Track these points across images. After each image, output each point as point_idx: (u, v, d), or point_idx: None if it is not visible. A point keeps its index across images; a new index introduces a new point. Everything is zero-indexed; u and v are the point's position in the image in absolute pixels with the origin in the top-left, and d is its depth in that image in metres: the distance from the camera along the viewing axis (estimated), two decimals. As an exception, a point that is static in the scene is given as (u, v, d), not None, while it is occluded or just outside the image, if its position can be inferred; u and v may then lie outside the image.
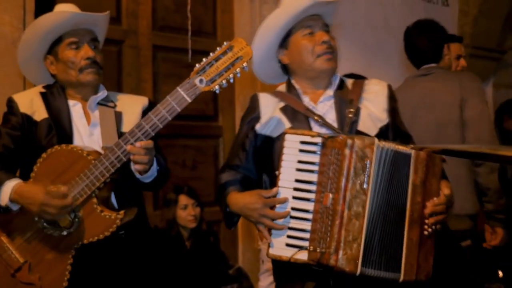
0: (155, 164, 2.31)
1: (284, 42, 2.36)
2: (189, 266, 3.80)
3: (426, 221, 2.10)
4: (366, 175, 2.04)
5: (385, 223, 2.07)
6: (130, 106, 2.48)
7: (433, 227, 2.11)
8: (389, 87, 2.40)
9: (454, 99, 3.32)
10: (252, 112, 2.38)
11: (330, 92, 2.34)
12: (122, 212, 2.21)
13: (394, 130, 2.33)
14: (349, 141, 2.04)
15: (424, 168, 2.10)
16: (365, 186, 2.04)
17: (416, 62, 3.59)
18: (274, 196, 2.12)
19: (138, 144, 2.13)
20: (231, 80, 2.11)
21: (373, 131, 2.26)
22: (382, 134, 2.27)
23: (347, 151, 2.04)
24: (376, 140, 2.06)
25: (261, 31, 2.36)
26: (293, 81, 2.39)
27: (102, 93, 2.46)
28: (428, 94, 3.40)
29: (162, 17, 4.16)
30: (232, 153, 2.43)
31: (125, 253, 2.35)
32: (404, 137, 2.35)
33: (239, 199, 2.23)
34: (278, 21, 2.33)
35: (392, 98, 2.38)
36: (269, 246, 2.12)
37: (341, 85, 2.38)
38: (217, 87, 2.10)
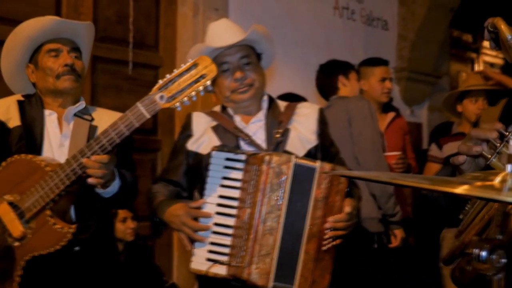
0: (117, 179, 2.28)
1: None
2: (123, 281, 3.72)
3: (325, 236, 2.14)
4: (281, 191, 2.10)
5: (299, 238, 2.11)
6: (108, 121, 2.43)
7: (332, 242, 2.15)
8: (320, 111, 2.48)
9: (343, 122, 3.59)
10: (185, 130, 2.43)
11: (261, 114, 2.41)
12: (73, 226, 2.16)
13: (323, 151, 2.39)
14: (267, 158, 2.10)
15: (327, 183, 2.14)
16: (280, 201, 2.09)
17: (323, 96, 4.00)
18: (199, 208, 2.16)
19: (93, 158, 2.10)
20: (194, 98, 2.10)
21: (301, 152, 2.31)
22: (311, 155, 2.33)
23: (264, 167, 2.10)
24: (293, 157, 2.12)
25: None
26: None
27: (80, 105, 2.43)
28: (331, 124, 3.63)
29: (103, 28, 4.07)
30: (165, 168, 2.48)
31: (80, 269, 2.30)
32: (332, 159, 2.40)
33: (165, 205, 2.26)
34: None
35: (322, 121, 2.45)
36: (191, 261, 2.15)
37: (272, 105, 2.45)
38: (177, 104, 2.09)
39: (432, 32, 5.83)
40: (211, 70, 2.07)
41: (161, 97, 2.08)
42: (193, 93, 2.07)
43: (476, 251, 0.97)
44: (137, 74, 4.11)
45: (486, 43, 7.13)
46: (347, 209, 2.18)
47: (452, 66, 6.75)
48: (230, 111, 2.42)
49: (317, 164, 2.14)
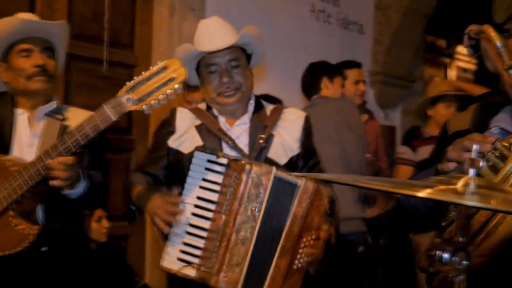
0: (84, 180, 2.26)
1: None
2: (94, 281, 3.69)
3: (298, 255, 2.13)
4: (258, 202, 2.08)
5: (272, 251, 2.11)
6: (80, 120, 2.42)
7: (304, 260, 2.14)
8: (306, 119, 2.45)
9: (331, 123, 3.67)
10: (168, 125, 2.40)
11: (246, 117, 2.38)
12: (36, 227, 2.14)
13: (304, 160, 2.38)
14: (247, 167, 2.09)
15: (309, 203, 2.13)
16: (256, 213, 2.08)
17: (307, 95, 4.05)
18: (177, 204, 2.13)
19: (57, 159, 2.08)
20: (163, 101, 2.08)
21: (283, 160, 2.31)
22: (292, 163, 2.33)
23: (244, 176, 2.08)
24: (274, 169, 2.11)
25: None
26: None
27: (51, 105, 2.41)
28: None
29: (78, 26, 4.03)
30: (145, 161, 2.45)
31: (49, 269, 2.27)
32: (313, 168, 2.40)
33: (146, 196, 2.23)
34: None
35: (307, 129, 2.43)
36: (162, 258, 2.13)
37: (258, 108, 2.42)
38: (145, 107, 2.07)
39: (407, 37, 5.89)
40: (180, 73, 2.05)
41: (128, 100, 2.06)
42: (162, 96, 2.05)
43: (439, 253, 1.00)
44: (112, 73, 4.08)
45: (459, 49, 7.24)
46: (322, 234, 2.18)
47: (426, 70, 6.84)
48: (215, 111, 2.39)
49: (301, 182, 2.12)
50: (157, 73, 2.06)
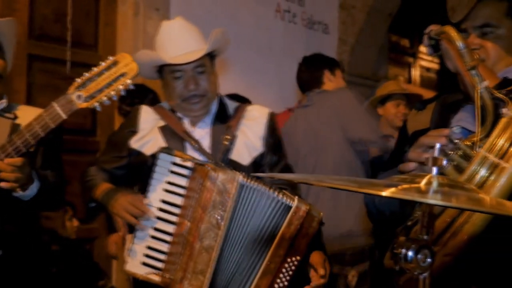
0: (35, 182, 2.20)
1: None
2: (56, 284, 3.64)
3: (281, 274, 2.12)
4: (223, 210, 2.05)
5: (242, 263, 2.09)
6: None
7: (285, 283, 2.12)
8: (270, 116, 2.44)
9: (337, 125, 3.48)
10: (131, 125, 2.36)
11: (208, 119, 2.36)
12: None
13: (268, 159, 2.37)
14: (213, 174, 2.06)
15: (298, 225, 2.10)
16: (220, 221, 2.05)
17: (304, 90, 3.79)
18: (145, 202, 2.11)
19: (6, 161, 2.01)
20: (114, 98, 2.03)
21: (246, 160, 2.30)
22: (256, 163, 2.32)
23: (208, 183, 2.06)
24: (240, 177, 2.08)
25: None
26: None
27: (0, 104, 2.33)
28: (314, 124, 3.54)
29: (39, 26, 3.96)
30: (104, 157, 2.41)
31: (5, 273, 2.21)
32: (275, 166, 2.39)
33: (111, 193, 2.20)
34: None
35: (271, 126, 2.40)
36: (126, 262, 2.11)
37: (221, 108, 2.40)
38: (96, 104, 2.02)
39: (372, 37, 5.95)
40: (132, 68, 2.01)
41: (79, 97, 2.01)
42: (113, 92, 2.00)
43: (403, 251, 1.01)
44: (76, 73, 3.94)
45: (422, 48, 7.34)
46: (321, 272, 2.18)
47: (390, 70, 6.92)
48: (178, 113, 2.37)
49: (294, 203, 2.09)
50: (108, 68, 2.01)
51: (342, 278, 3.40)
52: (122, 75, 2.01)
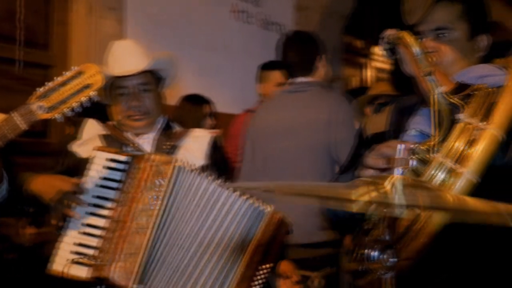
0: (5, 183, 2.14)
1: None
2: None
3: (256, 282, 2.14)
4: (157, 191, 2.04)
5: (181, 248, 2.07)
6: None
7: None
8: (215, 137, 2.49)
9: (322, 123, 3.18)
10: (74, 133, 2.37)
11: (152, 133, 2.39)
12: None
13: (215, 172, 2.34)
14: (147, 156, 2.08)
15: (272, 232, 2.13)
16: (154, 201, 2.03)
17: (289, 73, 3.38)
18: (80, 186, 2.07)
19: None
20: (77, 109, 1.97)
21: None
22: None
23: (143, 164, 2.06)
24: (175, 158, 2.10)
25: None
26: None
27: None
28: (296, 117, 3.22)
29: (-12, 25, 3.85)
30: (42, 164, 2.39)
31: None
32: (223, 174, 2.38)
33: (32, 177, 2.15)
34: None
35: (215, 145, 2.45)
36: (51, 261, 2.04)
37: (167, 127, 2.44)
38: (58, 115, 1.95)
39: (326, 38, 5.99)
40: (97, 80, 1.97)
41: (40, 107, 1.94)
42: (76, 104, 1.95)
43: (368, 251, 1.02)
44: (27, 73, 3.92)
45: (376, 49, 7.46)
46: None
47: (345, 70, 7.00)
48: (120, 128, 2.40)
49: (269, 209, 2.13)
50: (72, 78, 1.96)
51: (307, 283, 3.39)
52: (87, 86, 1.96)
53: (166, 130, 2.42)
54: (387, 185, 0.92)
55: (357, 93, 4.33)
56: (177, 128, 2.49)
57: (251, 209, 2.12)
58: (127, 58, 2.34)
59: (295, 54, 3.31)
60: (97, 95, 2.02)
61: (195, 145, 2.39)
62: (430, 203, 0.85)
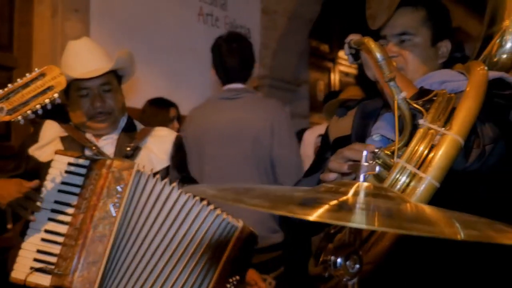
0: None
1: None
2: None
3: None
4: (118, 197, 2.02)
5: (143, 256, 2.06)
6: None
7: None
8: (178, 138, 2.47)
9: (263, 130, 3.17)
10: (32, 136, 2.34)
11: (114, 133, 2.36)
12: None
13: (173, 176, 2.36)
14: (108, 161, 2.05)
15: (242, 245, 2.15)
16: (115, 208, 2.02)
17: (224, 79, 3.31)
18: (36, 189, 2.02)
19: None
20: (39, 112, 1.92)
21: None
22: (161, 178, 2.29)
23: (104, 171, 2.03)
24: (136, 164, 2.08)
25: None
26: None
27: None
28: (236, 122, 3.20)
29: None
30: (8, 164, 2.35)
31: None
32: (185, 182, 2.39)
33: None
34: None
35: (178, 146, 2.43)
36: (13, 269, 2.00)
37: (129, 126, 2.41)
38: (20, 117, 1.90)
39: (293, 42, 6.04)
40: (60, 82, 1.93)
41: (1, 109, 1.88)
42: (38, 106, 1.90)
43: (332, 258, 1.02)
44: (-11, 75, 3.85)
45: (341, 53, 7.53)
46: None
47: (311, 74, 7.05)
48: (82, 130, 2.36)
49: (240, 224, 2.15)
50: (34, 80, 1.91)
51: None
52: (49, 88, 1.91)
53: (129, 130, 2.39)
54: (350, 194, 0.92)
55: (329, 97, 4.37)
56: (140, 127, 2.46)
57: (219, 220, 2.13)
58: (88, 58, 2.30)
59: (235, 60, 3.24)
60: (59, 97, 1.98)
61: (159, 146, 2.37)
62: (388, 219, 0.85)
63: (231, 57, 3.24)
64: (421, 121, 1.48)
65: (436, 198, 1.41)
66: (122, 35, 4.24)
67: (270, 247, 3.27)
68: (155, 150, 2.34)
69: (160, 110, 4.00)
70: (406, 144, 1.48)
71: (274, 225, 3.22)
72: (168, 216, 2.10)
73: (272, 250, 3.29)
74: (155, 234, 2.09)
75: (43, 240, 2.01)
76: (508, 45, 1.88)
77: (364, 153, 1.02)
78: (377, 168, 1.37)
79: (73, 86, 2.30)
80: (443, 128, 1.46)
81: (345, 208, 0.88)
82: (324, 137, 2.07)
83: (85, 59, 2.29)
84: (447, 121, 1.49)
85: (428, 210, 0.97)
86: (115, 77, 2.37)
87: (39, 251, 1.99)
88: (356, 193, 0.91)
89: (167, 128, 2.54)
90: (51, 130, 2.32)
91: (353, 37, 1.72)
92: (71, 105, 2.34)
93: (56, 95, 1.93)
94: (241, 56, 3.25)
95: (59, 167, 2.07)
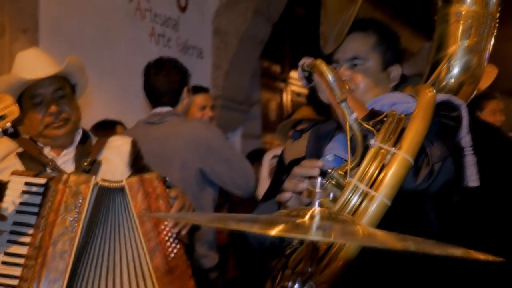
0: None
1: None
2: None
3: (168, 243, 2.09)
4: (77, 212, 2.00)
5: (103, 264, 2.03)
6: None
7: (176, 245, 2.10)
8: (133, 143, 2.44)
9: (191, 155, 3.19)
10: None
11: (72, 147, 2.32)
12: None
13: None
14: (64, 176, 2.03)
15: (143, 194, 2.09)
16: (74, 223, 1.99)
17: (152, 103, 3.39)
18: None
19: None
20: None
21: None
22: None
23: (60, 186, 2.01)
24: (93, 177, 2.06)
25: None
26: None
27: None
28: (162, 148, 3.20)
29: None
30: None
31: None
32: None
33: None
34: None
35: (135, 152, 2.41)
36: None
37: (85, 139, 2.38)
38: None
39: (244, 62, 6.08)
40: (13, 111, 1.91)
41: None
42: None
43: (289, 284, 1.03)
44: None
45: (293, 74, 7.63)
46: (173, 193, 2.14)
47: (263, 95, 7.10)
48: (39, 143, 2.30)
49: (124, 182, 2.09)
50: None
51: None
52: (2, 117, 1.89)
53: (84, 143, 2.35)
54: (307, 217, 0.93)
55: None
56: (93, 139, 2.42)
57: (106, 191, 2.09)
58: (39, 64, 2.27)
59: (164, 84, 3.30)
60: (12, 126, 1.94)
61: (116, 157, 2.34)
62: (342, 239, 0.87)
63: (159, 82, 3.31)
64: (372, 141, 1.52)
65: (386, 217, 1.45)
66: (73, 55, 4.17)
67: (208, 270, 3.30)
68: (115, 162, 2.32)
69: (106, 132, 3.93)
70: (359, 164, 1.52)
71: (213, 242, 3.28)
72: (130, 228, 2.06)
73: (209, 272, 3.31)
74: (119, 246, 2.05)
75: (4, 263, 1.97)
76: (455, 71, 1.96)
77: (318, 179, 1.04)
78: (331, 195, 1.40)
79: (26, 95, 2.25)
80: (393, 148, 1.50)
81: (302, 227, 0.90)
82: (280, 160, 2.10)
83: (35, 65, 2.25)
84: (397, 141, 1.54)
85: (379, 232, 1.00)
86: (68, 85, 2.34)
87: (0, 275, 1.95)
88: (312, 217, 0.92)
89: (120, 136, 2.52)
90: (4, 147, 2.25)
91: (306, 60, 1.76)
92: (26, 116, 2.27)
93: (9, 124, 1.91)
94: (169, 81, 3.30)
95: (17, 188, 2.03)
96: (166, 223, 2.09)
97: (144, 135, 3.17)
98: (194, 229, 2.25)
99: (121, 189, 2.09)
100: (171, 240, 2.10)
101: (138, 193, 2.08)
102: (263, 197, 2.04)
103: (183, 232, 2.11)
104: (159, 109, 3.33)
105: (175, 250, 2.10)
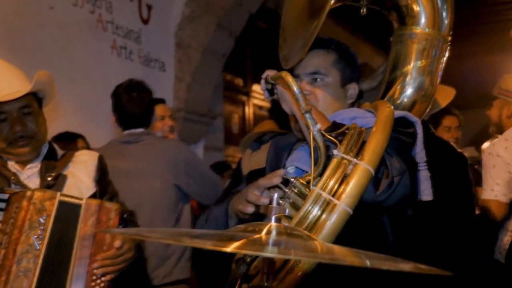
0: None
1: None
2: None
3: (94, 276, 2.04)
4: (42, 229, 1.96)
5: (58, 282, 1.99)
6: None
7: (103, 280, 2.05)
8: (100, 158, 2.42)
9: (170, 170, 3.29)
10: None
11: (37, 161, 2.27)
12: None
13: (102, 197, 2.31)
14: (29, 193, 1.98)
15: (95, 220, 2.06)
16: (39, 241, 1.95)
17: (124, 125, 3.45)
18: None
19: None
20: None
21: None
22: None
23: (25, 203, 1.96)
24: (58, 194, 2.03)
25: None
26: None
27: None
28: (141, 161, 3.30)
29: None
30: None
31: None
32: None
33: None
34: None
35: (101, 168, 2.38)
36: None
37: (51, 152, 2.33)
38: None
39: (207, 75, 6.10)
40: None
41: None
42: None
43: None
44: None
45: (255, 87, 7.67)
46: (117, 243, 2.09)
47: (226, 107, 7.12)
48: (3, 157, 2.26)
49: (83, 201, 2.06)
50: None
51: None
52: None
53: (50, 158, 2.30)
54: (263, 233, 0.95)
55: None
56: (60, 153, 2.37)
57: (68, 207, 2.05)
58: (5, 80, 2.19)
59: (136, 108, 3.36)
60: None
61: (83, 171, 2.30)
62: (300, 254, 0.89)
63: (132, 106, 3.36)
64: (335, 152, 1.55)
65: (345, 228, 1.47)
66: (32, 67, 4.08)
67: (176, 282, 3.34)
68: (81, 177, 2.27)
69: (67, 145, 3.88)
70: (321, 174, 1.54)
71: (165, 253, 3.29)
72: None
73: (177, 284, 3.35)
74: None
75: None
76: (409, 91, 2.04)
77: (275, 195, 1.06)
78: (287, 210, 1.41)
79: None
80: (355, 159, 1.53)
81: (259, 243, 0.91)
82: (236, 170, 2.12)
83: (1, 81, 2.18)
84: (358, 152, 1.57)
85: (336, 247, 1.02)
86: (35, 99, 2.28)
87: None
88: (268, 232, 0.94)
89: (87, 151, 2.49)
90: None
91: (269, 73, 1.78)
92: None
93: None
94: (142, 104, 3.37)
95: None
96: (104, 256, 2.04)
97: (120, 152, 3.26)
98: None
99: (79, 206, 2.06)
100: (99, 277, 2.04)
101: (91, 217, 2.05)
102: (216, 201, 2.06)
103: (107, 277, 2.06)
104: (133, 130, 3.40)
105: (99, 284, 2.04)
